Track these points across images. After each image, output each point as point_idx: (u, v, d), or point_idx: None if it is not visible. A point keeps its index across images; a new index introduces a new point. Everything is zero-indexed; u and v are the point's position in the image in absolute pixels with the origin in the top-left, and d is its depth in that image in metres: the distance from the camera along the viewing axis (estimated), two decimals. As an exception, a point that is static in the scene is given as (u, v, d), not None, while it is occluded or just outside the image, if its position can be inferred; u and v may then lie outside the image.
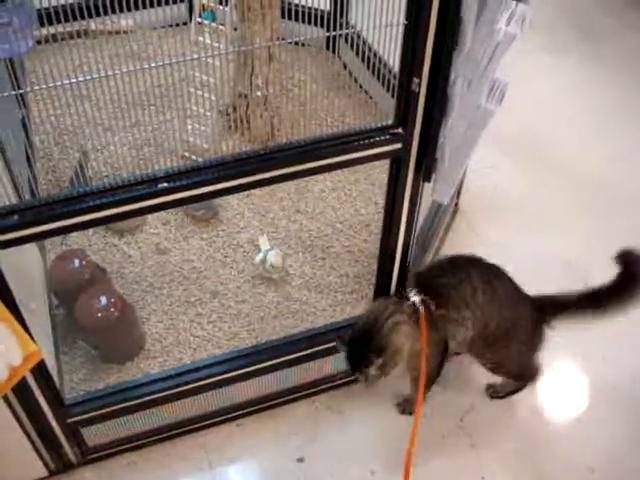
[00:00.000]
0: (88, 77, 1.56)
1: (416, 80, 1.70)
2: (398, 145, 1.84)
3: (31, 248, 2.54)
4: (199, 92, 2.85)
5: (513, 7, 1.68)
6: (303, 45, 3.46)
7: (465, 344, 2.26)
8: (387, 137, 1.83)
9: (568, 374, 2.69)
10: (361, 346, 2.10)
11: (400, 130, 1.81)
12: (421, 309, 2.11)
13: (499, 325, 2.21)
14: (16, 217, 1.58)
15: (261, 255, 2.70)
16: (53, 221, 1.62)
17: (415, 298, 2.14)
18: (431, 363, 2.19)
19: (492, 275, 2.24)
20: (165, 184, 1.65)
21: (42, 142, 3.12)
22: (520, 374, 2.47)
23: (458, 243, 3.09)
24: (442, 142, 1.84)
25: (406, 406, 2.50)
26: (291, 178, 1.83)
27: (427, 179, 1.94)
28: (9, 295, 1.71)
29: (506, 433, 2.49)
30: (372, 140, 1.83)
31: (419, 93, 1.73)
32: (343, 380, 2.55)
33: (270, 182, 1.78)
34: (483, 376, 2.56)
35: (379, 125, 1.83)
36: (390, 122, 1.82)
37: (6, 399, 1.95)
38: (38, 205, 1.61)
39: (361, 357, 2.10)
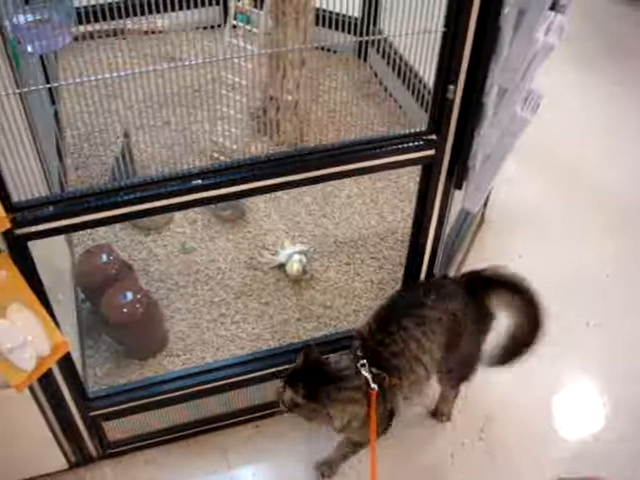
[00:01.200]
0: (121, 74, 1.57)
1: (452, 87, 1.70)
2: (431, 152, 1.85)
3: (60, 241, 2.56)
4: (230, 94, 2.86)
5: (552, 17, 1.68)
6: (334, 52, 3.50)
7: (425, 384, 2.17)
8: (420, 143, 1.83)
9: (587, 390, 2.67)
10: (310, 376, 1.97)
11: (434, 137, 1.82)
12: (374, 386, 1.96)
13: (457, 347, 2.11)
14: (51, 208, 1.60)
15: (282, 258, 2.71)
16: (87, 213, 1.64)
17: (367, 375, 1.97)
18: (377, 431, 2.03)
19: (426, 308, 2.04)
20: (199, 181, 1.66)
21: (73, 138, 3.14)
22: (471, 373, 2.31)
23: (483, 254, 3.08)
24: (475, 150, 1.84)
25: (325, 470, 2.34)
26: (323, 180, 1.84)
27: (458, 186, 1.94)
28: (40, 285, 1.73)
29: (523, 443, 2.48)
30: (405, 146, 1.84)
31: (454, 100, 1.73)
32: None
33: (302, 183, 1.79)
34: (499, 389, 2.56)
35: (412, 131, 1.84)
36: (424, 128, 1.82)
37: (31, 389, 1.96)
38: (73, 197, 1.63)
39: (301, 381, 1.96)
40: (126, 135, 2.81)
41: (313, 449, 2.41)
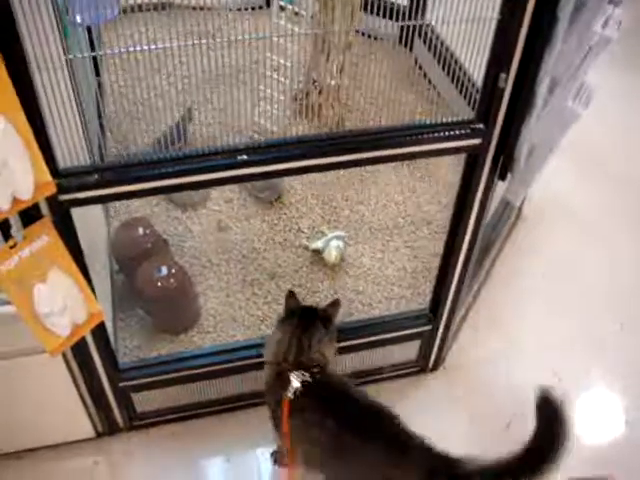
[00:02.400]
0: (166, 45, 1.57)
1: (503, 76, 1.68)
2: (477, 140, 1.83)
3: (97, 213, 2.58)
4: (274, 75, 2.86)
5: (610, 11, 1.65)
6: (376, 39, 3.47)
7: None
8: (467, 132, 1.81)
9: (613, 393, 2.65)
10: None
11: (481, 125, 1.80)
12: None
13: None
14: (96, 176, 1.60)
15: (319, 243, 2.70)
16: (131, 183, 1.64)
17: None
18: None
19: None
20: (245, 156, 1.66)
21: (114, 112, 3.15)
22: None
23: (518, 249, 3.06)
24: (521, 141, 1.82)
25: (277, 457, 2.31)
26: (368, 163, 1.83)
27: (503, 177, 1.92)
28: (80, 253, 1.74)
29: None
30: (451, 134, 1.82)
31: (505, 89, 1.71)
32: (390, 373, 2.54)
33: (348, 165, 1.78)
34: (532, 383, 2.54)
35: (460, 119, 1.82)
36: (472, 115, 1.80)
37: (64, 356, 1.98)
38: (118, 166, 1.63)
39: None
40: (189, 110, 2.81)
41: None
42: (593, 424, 2.52)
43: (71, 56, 1.48)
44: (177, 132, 2.64)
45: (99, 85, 2.88)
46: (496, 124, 1.79)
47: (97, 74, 2.89)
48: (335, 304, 2.04)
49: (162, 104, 2.95)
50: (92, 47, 2.75)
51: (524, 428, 2.43)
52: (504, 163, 1.88)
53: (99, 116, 2.65)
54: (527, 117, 1.76)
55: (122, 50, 1.58)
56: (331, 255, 2.65)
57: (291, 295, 2.03)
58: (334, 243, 2.66)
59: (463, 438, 2.41)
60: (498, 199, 2.86)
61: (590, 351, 2.71)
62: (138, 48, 1.58)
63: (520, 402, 2.51)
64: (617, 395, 2.62)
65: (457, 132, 1.81)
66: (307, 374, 1.89)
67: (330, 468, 1.93)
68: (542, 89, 1.72)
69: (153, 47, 1.56)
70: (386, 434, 1.84)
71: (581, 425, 2.51)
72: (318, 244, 2.71)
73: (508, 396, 2.54)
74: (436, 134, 1.82)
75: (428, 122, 1.81)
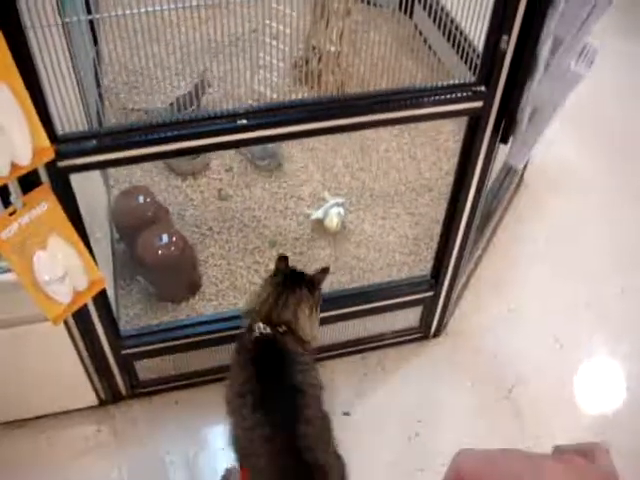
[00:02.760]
0: (164, 7, 1.55)
1: (505, 37, 1.66)
2: (479, 103, 1.81)
3: (97, 181, 2.57)
4: (273, 42, 2.83)
5: (611, -32, 1.63)
6: (375, 5, 3.44)
7: None
8: (468, 94, 1.80)
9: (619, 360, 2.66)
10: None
11: (482, 88, 1.78)
12: None
13: None
14: (94, 142, 1.59)
15: (319, 213, 2.69)
16: (129, 149, 1.63)
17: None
18: None
19: None
20: (244, 121, 1.64)
21: (112, 81, 3.13)
22: None
23: (520, 215, 3.05)
24: (523, 104, 1.80)
25: None
26: (369, 126, 1.82)
27: (504, 141, 1.90)
28: (79, 220, 1.74)
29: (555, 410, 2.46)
30: (452, 96, 1.80)
31: (506, 51, 1.69)
32: (392, 340, 2.54)
33: (348, 128, 1.78)
34: (533, 349, 2.54)
35: (460, 82, 1.80)
36: (473, 79, 1.78)
37: (66, 323, 1.98)
38: (116, 131, 1.62)
39: None
40: (204, 71, 2.79)
41: (342, 398, 2.41)
42: (594, 390, 2.53)
43: (67, 20, 1.47)
44: (191, 97, 2.62)
45: (97, 54, 2.86)
46: (498, 86, 1.78)
47: (95, 43, 2.87)
48: (324, 271, 2.02)
49: (160, 73, 2.95)
50: (89, 11, 2.72)
51: (526, 393, 2.47)
52: (506, 126, 1.87)
53: (97, 84, 2.63)
54: (529, 79, 1.75)
55: (118, 14, 1.56)
56: (332, 222, 2.64)
57: (282, 259, 2.01)
58: (334, 210, 2.65)
59: (465, 404, 2.43)
60: (499, 166, 2.85)
61: (592, 317, 2.71)
62: (135, 11, 1.56)
63: (522, 367, 2.54)
64: (618, 361, 2.62)
65: (458, 95, 1.80)
66: (269, 328, 1.87)
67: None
68: (544, 51, 1.70)
69: (150, 9, 1.54)
70: (283, 421, 1.75)
71: (582, 391, 2.51)
72: (319, 214, 2.69)
73: (510, 362, 2.55)
74: (437, 97, 1.80)
75: (429, 85, 1.79)
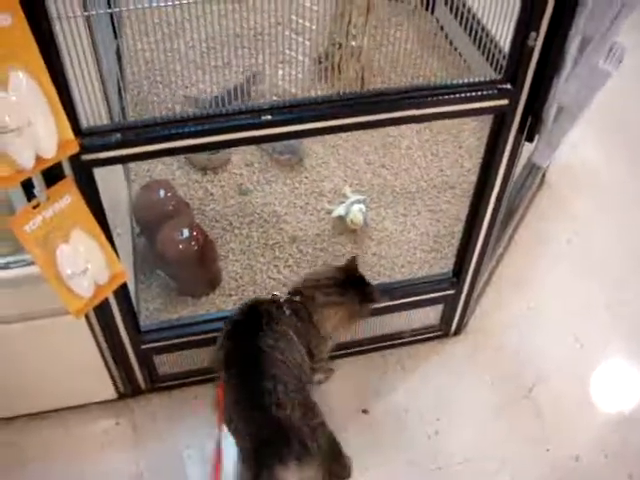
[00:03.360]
0: (177, 2, 1.54)
1: (533, 34, 1.64)
2: (504, 101, 1.79)
3: (118, 175, 2.57)
4: (295, 36, 2.81)
5: (643, -34, 1.60)
6: (397, 0, 3.42)
7: None
8: (494, 92, 1.78)
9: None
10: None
11: (509, 86, 1.76)
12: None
13: None
14: (118, 135, 1.59)
15: (341, 210, 2.68)
16: (153, 143, 1.62)
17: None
18: None
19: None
20: (269, 117, 1.63)
21: (133, 74, 3.13)
22: None
23: (542, 214, 3.03)
24: (550, 102, 1.78)
25: None
26: (392, 124, 1.82)
27: (530, 139, 1.88)
28: (102, 214, 1.73)
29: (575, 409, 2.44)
30: (477, 94, 1.78)
31: (534, 48, 1.67)
32: (412, 338, 2.53)
33: (371, 125, 1.75)
34: (554, 348, 2.53)
35: (487, 79, 1.78)
36: (499, 76, 1.76)
37: (87, 317, 1.99)
38: (140, 126, 1.61)
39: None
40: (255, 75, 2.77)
41: (361, 396, 2.40)
42: (613, 390, 2.51)
43: (93, 12, 1.46)
44: (242, 89, 2.59)
45: (118, 48, 2.86)
46: (524, 84, 1.76)
47: (115, 37, 2.87)
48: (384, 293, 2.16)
49: (181, 67, 2.94)
50: (109, 7, 2.72)
51: (546, 392, 2.45)
52: (531, 125, 1.85)
53: (120, 78, 2.63)
54: (556, 77, 1.73)
55: (139, 7, 1.55)
56: (357, 218, 2.62)
57: (354, 259, 2.14)
58: (356, 207, 2.63)
59: (485, 402, 2.41)
60: (522, 164, 2.83)
61: (611, 317, 2.69)
62: (155, 4, 1.55)
63: (542, 366, 2.52)
64: (637, 361, 2.60)
65: (483, 92, 1.78)
66: (283, 297, 2.02)
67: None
68: (572, 49, 1.68)
69: (171, 3, 1.53)
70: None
71: (602, 390, 2.49)
72: (340, 210, 2.68)
73: (530, 360, 2.54)
74: (462, 95, 1.78)
75: (454, 82, 1.77)
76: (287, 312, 1.98)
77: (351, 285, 2.06)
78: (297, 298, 2.03)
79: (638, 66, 3.71)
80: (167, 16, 1.57)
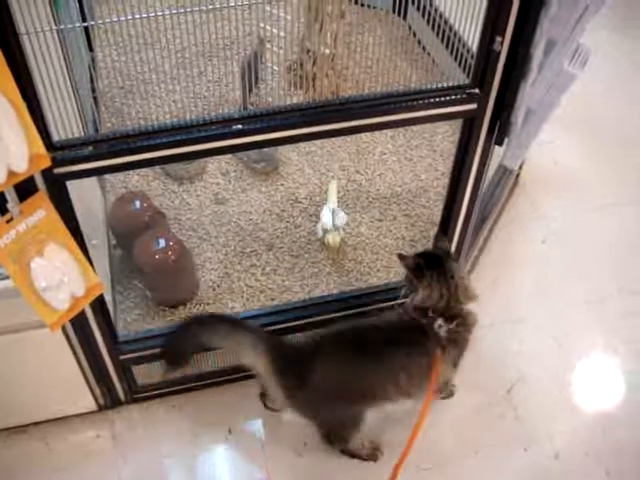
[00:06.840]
0: (158, 13, 1.56)
1: (499, 39, 1.67)
2: (473, 105, 1.82)
3: (93, 187, 2.57)
4: (267, 45, 2.83)
5: (604, -31, 1.63)
6: (369, 7, 3.45)
7: None
8: (462, 97, 1.81)
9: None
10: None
11: (477, 90, 1.79)
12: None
13: None
14: (90, 148, 1.59)
15: (320, 231, 2.68)
16: (125, 155, 1.63)
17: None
18: None
19: None
20: (239, 126, 1.65)
21: (108, 86, 3.13)
22: None
23: (516, 216, 3.06)
24: (518, 105, 1.81)
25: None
26: (364, 130, 1.84)
27: (499, 142, 1.91)
28: (76, 226, 1.74)
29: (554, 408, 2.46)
30: (446, 99, 1.81)
31: (500, 53, 1.70)
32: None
33: (344, 132, 1.77)
34: (532, 349, 2.55)
35: (454, 84, 1.81)
36: (467, 81, 1.79)
37: (64, 330, 1.99)
38: (112, 138, 1.62)
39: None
40: (261, 42, 2.77)
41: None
42: (593, 389, 2.53)
43: (62, 26, 1.47)
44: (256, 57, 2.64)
45: (92, 60, 2.87)
46: (492, 88, 1.79)
47: (90, 49, 2.87)
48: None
49: (156, 78, 2.95)
50: (84, 18, 2.73)
51: (525, 392, 2.47)
52: (500, 128, 1.87)
53: (93, 90, 2.64)
54: (523, 80, 1.75)
55: (113, 20, 1.56)
56: (335, 240, 2.61)
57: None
58: (334, 230, 2.64)
59: (463, 403, 2.43)
60: (495, 167, 2.86)
61: (590, 316, 2.72)
62: (129, 17, 1.56)
63: (520, 367, 2.54)
64: (617, 360, 2.62)
65: (452, 97, 1.81)
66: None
67: None
68: (538, 52, 1.71)
69: (144, 15, 1.55)
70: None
71: (581, 390, 2.52)
72: (319, 232, 2.68)
73: (509, 362, 2.56)
74: (432, 100, 1.81)
75: (423, 88, 1.80)
76: None
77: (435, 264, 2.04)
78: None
79: (609, 65, 3.79)
80: (142, 27, 1.58)
